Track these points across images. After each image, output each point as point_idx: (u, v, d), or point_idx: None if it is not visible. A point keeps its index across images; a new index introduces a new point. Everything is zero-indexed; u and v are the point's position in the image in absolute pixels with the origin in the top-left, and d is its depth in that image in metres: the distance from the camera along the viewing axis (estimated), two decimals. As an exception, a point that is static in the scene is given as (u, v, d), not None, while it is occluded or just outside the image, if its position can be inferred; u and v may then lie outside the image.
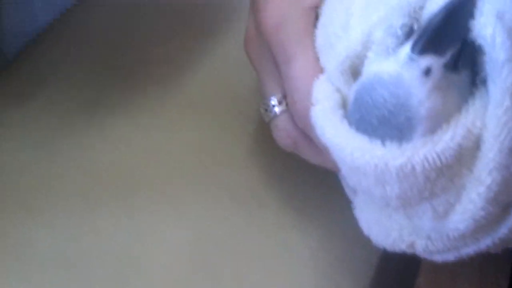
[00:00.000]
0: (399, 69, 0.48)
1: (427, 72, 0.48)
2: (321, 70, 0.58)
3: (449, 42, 0.49)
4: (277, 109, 0.64)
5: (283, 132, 0.63)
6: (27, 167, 0.76)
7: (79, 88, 0.85)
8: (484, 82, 0.51)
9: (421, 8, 0.53)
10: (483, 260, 0.66)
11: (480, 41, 0.50)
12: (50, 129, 0.80)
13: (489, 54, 0.49)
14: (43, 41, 0.90)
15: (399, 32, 0.53)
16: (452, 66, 0.50)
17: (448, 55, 0.49)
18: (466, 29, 0.50)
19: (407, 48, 0.49)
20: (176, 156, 0.77)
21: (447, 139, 0.48)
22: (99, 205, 0.72)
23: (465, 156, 0.50)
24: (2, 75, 0.85)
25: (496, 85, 0.49)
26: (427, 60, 0.48)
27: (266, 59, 0.62)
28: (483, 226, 0.52)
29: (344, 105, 0.55)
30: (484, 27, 0.49)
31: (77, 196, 0.73)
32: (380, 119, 0.49)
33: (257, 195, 0.72)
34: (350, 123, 0.52)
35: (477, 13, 0.50)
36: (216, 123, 0.81)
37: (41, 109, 0.82)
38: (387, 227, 0.56)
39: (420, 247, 0.55)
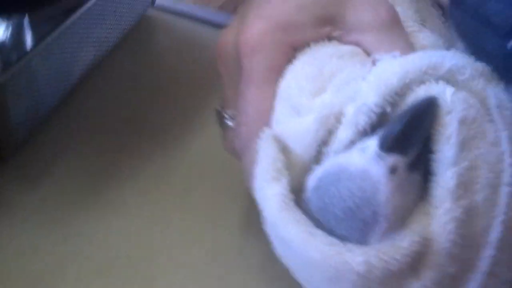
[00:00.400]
0: (367, 164, 0.50)
1: (393, 170, 0.50)
2: (272, 111, 0.59)
3: (414, 143, 0.52)
4: (229, 122, 0.67)
5: (229, 143, 0.67)
6: (41, 249, 0.78)
7: (86, 167, 0.89)
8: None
9: (401, 95, 0.55)
10: None
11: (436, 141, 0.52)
12: (61, 210, 0.83)
13: (438, 154, 0.52)
14: (49, 125, 0.93)
15: (373, 112, 0.54)
16: (414, 167, 0.52)
17: (411, 156, 0.51)
18: (429, 132, 0.53)
19: (373, 143, 0.51)
20: (186, 223, 0.80)
21: (406, 245, 0.50)
22: (116, 282, 0.75)
23: (416, 261, 0.51)
24: (12, 160, 0.87)
25: (438, 185, 0.51)
26: (394, 159, 0.50)
27: (234, 73, 0.62)
28: None
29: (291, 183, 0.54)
30: (445, 127, 0.51)
31: (94, 275, 0.75)
32: (346, 211, 0.50)
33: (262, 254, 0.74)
34: (309, 210, 0.52)
35: (443, 113, 0.52)
36: (219, 186, 0.84)
37: (52, 191, 0.85)
38: None
39: None
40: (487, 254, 0.52)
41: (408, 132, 0.51)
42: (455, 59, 0.55)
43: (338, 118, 0.55)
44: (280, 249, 0.56)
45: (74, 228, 0.80)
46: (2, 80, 0.78)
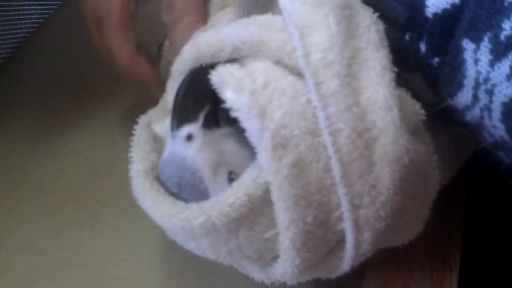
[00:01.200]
0: (171, 147, 0.58)
1: (189, 137, 0.57)
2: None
3: (196, 108, 0.57)
4: None
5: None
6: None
7: (35, 119, 0.90)
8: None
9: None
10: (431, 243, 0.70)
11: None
12: (11, 157, 0.85)
13: (246, 127, 0.54)
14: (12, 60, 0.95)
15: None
16: (213, 124, 0.57)
17: (201, 118, 0.57)
18: (210, 92, 0.56)
19: (169, 132, 0.59)
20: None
21: (235, 191, 0.54)
22: (64, 221, 0.77)
23: (257, 205, 0.54)
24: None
25: (261, 153, 0.53)
26: (185, 129, 0.57)
27: None
28: (311, 266, 0.57)
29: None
30: (239, 104, 0.53)
31: (44, 215, 0.78)
32: (177, 185, 0.57)
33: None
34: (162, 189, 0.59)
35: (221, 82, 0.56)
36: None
37: (2, 138, 0.87)
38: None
39: None
40: (340, 193, 0.54)
41: (186, 103, 0.58)
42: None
43: None
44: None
45: (24, 174, 0.83)
46: None
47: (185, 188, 0.56)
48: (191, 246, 0.60)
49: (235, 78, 0.55)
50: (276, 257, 0.57)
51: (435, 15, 0.56)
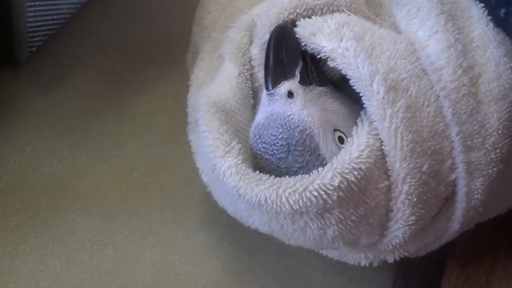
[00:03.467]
0: (269, 109, 0.53)
1: (290, 95, 0.53)
2: None
3: (291, 64, 0.54)
4: None
5: None
6: (58, 154, 0.78)
7: (100, 77, 0.88)
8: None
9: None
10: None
11: (335, 60, 0.53)
12: (76, 118, 0.82)
13: (352, 73, 0.53)
14: (63, 35, 0.92)
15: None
16: (307, 81, 0.55)
17: (297, 74, 0.54)
18: (300, 48, 0.56)
19: (264, 93, 0.54)
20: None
21: (356, 146, 0.51)
22: (134, 189, 0.75)
23: (378, 158, 0.52)
24: (26, 66, 0.86)
25: (370, 100, 0.52)
26: (285, 86, 0.53)
27: None
28: (421, 229, 0.55)
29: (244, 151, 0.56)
30: (342, 50, 0.53)
31: (112, 181, 0.75)
32: (287, 148, 0.52)
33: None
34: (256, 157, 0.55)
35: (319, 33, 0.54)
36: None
37: (66, 98, 0.85)
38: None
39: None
40: (454, 131, 0.54)
41: (278, 61, 0.54)
42: None
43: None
44: (244, 212, 0.57)
45: (91, 135, 0.80)
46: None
47: (295, 149, 0.52)
48: (272, 228, 0.55)
49: (330, 28, 0.54)
50: (383, 227, 0.55)
51: None
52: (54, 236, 0.69)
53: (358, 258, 0.59)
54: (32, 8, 0.81)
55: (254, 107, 0.60)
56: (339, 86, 0.57)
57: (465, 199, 0.56)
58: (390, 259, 0.58)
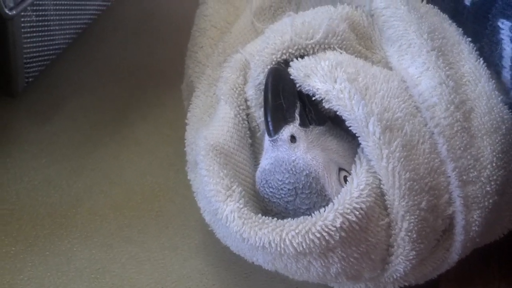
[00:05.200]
0: (273, 155, 0.55)
1: (292, 139, 0.55)
2: None
3: (290, 107, 0.56)
4: None
5: None
6: (55, 184, 0.78)
7: (98, 105, 0.88)
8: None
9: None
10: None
11: (332, 103, 0.54)
12: (73, 146, 0.83)
13: (348, 115, 0.54)
14: (60, 63, 0.93)
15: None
16: (307, 122, 0.56)
17: (297, 117, 0.56)
18: (295, 89, 0.57)
19: (266, 139, 0.56)
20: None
21: (356, 185, 0.52)
22: (131, 217, 0.75)
23: (378, 196, 0.53)
24: (23, 96, 0.87)
25: (366, 140, 0.53)
26: (287, 131, 0.55)
27: None
28: (420, 261, 0.56)
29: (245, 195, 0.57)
30: (336, 92, 0.54)
31: (108, 209, 0.76)
32: (295, 192, 0.53)
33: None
34: (262, 199, 0.56)
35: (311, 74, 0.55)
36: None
37: (63, 127, 0.85)
38: None
39: None
40: (450, 167, 0.54)
41: (277, 107, 0.55)
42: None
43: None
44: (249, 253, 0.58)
45: (88, 163, 0.81)
46: (14, 14, 0.77)
47: (302, 192, 0.53)
48: (276, 266, 0.56)
49: (324, 69, 0.55)
50: (383, 262, 0.56)
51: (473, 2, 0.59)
52: (52, 265, 0.70)
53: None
54: (28, 40, 0.82)
55: (252, 145, 0.62)
56: (335, 120, 0.58)
57: (463, 232, 0.56)
58: None
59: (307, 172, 0.53)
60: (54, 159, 0.81)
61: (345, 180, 0.54)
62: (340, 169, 0.55)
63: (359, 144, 0.54)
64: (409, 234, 0.53)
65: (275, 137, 0.55)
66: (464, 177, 0.55)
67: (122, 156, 0.82)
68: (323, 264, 0.53)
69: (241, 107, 0.61)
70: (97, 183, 0.78)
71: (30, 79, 0.87)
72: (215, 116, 0.62)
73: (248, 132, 0.61)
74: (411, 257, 0.54)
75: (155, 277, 0.69)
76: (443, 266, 0.60)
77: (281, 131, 0.55)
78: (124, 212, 0.75)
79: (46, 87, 0.90)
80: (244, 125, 0.61)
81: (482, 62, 0.59)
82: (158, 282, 0.69)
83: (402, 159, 0.52)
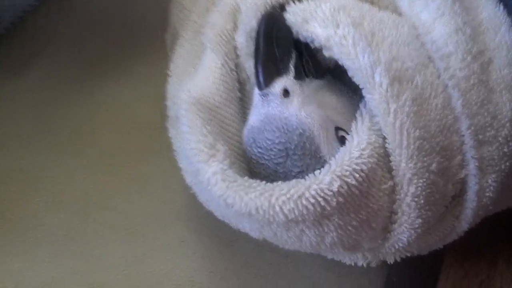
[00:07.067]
0: (263, 111, 0.49)
1: (285, 93, 0.49)
2: None
3: (285, 57, 0.50)
4: None
5: None
6: (26, 141, 0.73)
7: (73, 57, 0.82)
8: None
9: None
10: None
11: (330, 49, 0.48)
12: (46, 102, 0.77)
13: (351, 64, 0.48)
14: (36, 14, 0.87)
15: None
16: (303, 75, 0.50)
17: (291, 68, 0.50)
18: (292, 37, 0.51)
19: (256, 92, 0.50)
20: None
21: (356, 144, 0.47)
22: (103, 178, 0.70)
23: (381, 156, 0.48)
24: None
25: (371, 93, 0.47)
26: (279, 84, 0.49)
27: None
28: (426, 230, 0.51)
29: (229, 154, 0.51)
30: (338, 38, 0.48)
31: (82, 169, 0.70)
32: (286, 153, 0.48)
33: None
34: (251, 159, 0.50)
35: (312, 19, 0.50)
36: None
37: (37, 81, 0.79)
38: None
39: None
40: (465, 125, 0.49)
41: (269, 56, 0.49)
42: None
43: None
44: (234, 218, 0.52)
45: (61, 122, 0.75)
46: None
47: (294, 153, 0.48)
48: (265, 234, 0.51)
49: (325, 13, 0.49)
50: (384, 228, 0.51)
51: None
52: (14, 231, 0.64)
53: (355, 258, 0.55)
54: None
55: (241, 99, 0.56)
56: (334, 73, 0.52)
57: (475, 198, 0.51)
58: (390, 260, 0.54)
59: (301, 130, 0.47)
60: (24, 116, 0.75)
61: (343, 141, 0.48)
62: (338, 128, 0.49)
63: (361, 98, 0.49)
64: (416, 199, 0.48)
65: (265, 91, 0.49)
66: (480, 136, 0.49)
67: (98, 115, 0.76)
68: (317, 233, 0.47)
69: (230, 56, 0.55)
70: (70, 143, 0.73)
71: (2, 32, 0.82)
72: (200, 66, 0.56)
73: (237, 84, 0.55)
74: (416, 226, 0.49)
75: (130, 246, 0.64)
76: (450, 236, 0.54)
77: (273, 83, 0.49)
78: (98, 175, 0.70)
79: (19, 41, 0.83)
80: (232, 76, 0.55)
81: (502, 8, 0.53)
82: (135, 251, 0.63)
83: (412, 114, 0.47)
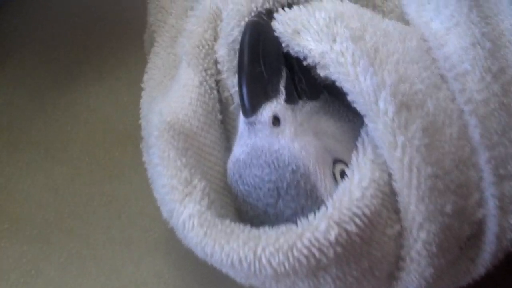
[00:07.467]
0: (250, 141, 0.42)
1: (275, 121, 0.42)
2: None
3: (273, 77, 0.43)
4: None
5: None
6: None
7: (46, 59, 0.76)
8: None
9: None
10: None
11: (333, 74, 0.41)
12: (12, 111, 0.71)
13: (351, 87, 0.40)
14: (8, 10, 0.81)
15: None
16: (295, 96, 0.43)
17: (282, 90, 0.43)
18: (280, 50, 0.43)
19: (241, 119, 0.42)
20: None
21: (358, 181, 0.40)
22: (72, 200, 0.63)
23: (387, 195, 0.41)
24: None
25: (375, 121, 0.40)
26: (268, 110, 0.42)
27: None
28: (441, 275, 0.44)
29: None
30: (335, 55, 0.41)
31: (48, 190, 0.64)
32: (277, 192, 0.41)
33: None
34: (236, 196, 0.44)
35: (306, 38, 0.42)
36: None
37: (3, 87, 0.73)
38: None
39: None
40: (484, 158, 0.42)
41: (255, 76, 0.42)
42: None
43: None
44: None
45: (27, 135, 0.68)
46: None
47: (286, 193, 0.41)
48: (252, 283, 0.44)
49: (319, 23, 0.42)
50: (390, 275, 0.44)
51: None
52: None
53: None
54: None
55: (224, 122, 0.49)
56: (332, 89, 0.44)
57: (495, 240, 0.44)
58: None
59: (294, 167, 0.40)
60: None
61: (342, 176, 0.41)
62: (336, 161, 0.42)
63: (363, 122, 0.42)
64: (428, 247, 0.41)
65: (252, 118, 0.41)
66: (501, 171, 0.42)
67: (70, 126, 0.69)
68: (312, 285, 0.41)
69: (209, 72, 0.48)
70: (36, 159, 0.66)
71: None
72: (174, 83, 0.48)
73: (217, 105, 0.48)
74: (427, 275, 0.42)
75: (101, 281, 0.57)
76: (464, 280, 0.47)
77: (261, 110, 0.42)
78: (66, 197, 0.63)
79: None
80: (212, 95, 0.48)
81: None
82: (101, 286, 0.57)
83: (423, 148, 0.40)
